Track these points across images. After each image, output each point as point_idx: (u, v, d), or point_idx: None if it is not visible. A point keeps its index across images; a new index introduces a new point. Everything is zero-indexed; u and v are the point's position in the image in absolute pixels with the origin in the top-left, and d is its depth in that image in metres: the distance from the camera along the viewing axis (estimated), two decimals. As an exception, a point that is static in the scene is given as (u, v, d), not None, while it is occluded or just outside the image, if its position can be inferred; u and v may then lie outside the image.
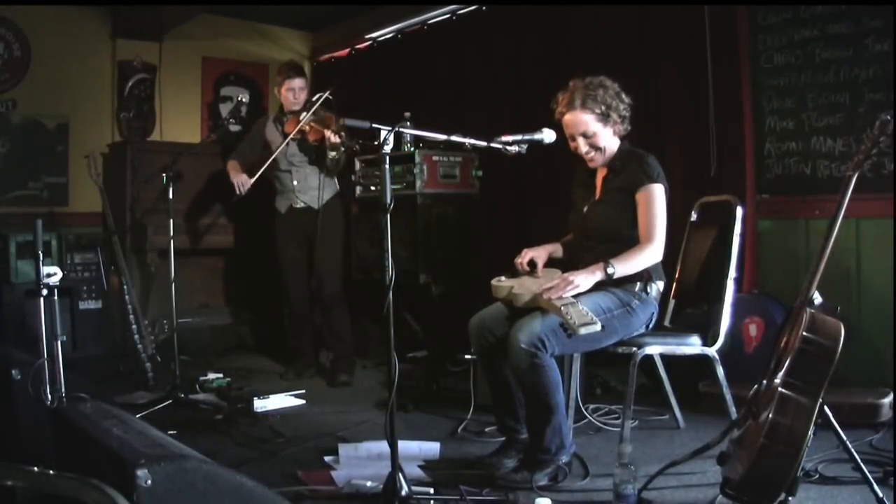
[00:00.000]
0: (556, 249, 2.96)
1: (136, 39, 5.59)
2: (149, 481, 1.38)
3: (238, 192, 4.23)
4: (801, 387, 2.04)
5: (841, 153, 3.43)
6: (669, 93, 3.99)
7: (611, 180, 2.82)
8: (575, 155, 2.84)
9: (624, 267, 2.61)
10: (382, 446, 2.62)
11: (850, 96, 3.38)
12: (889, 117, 2.17)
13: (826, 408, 2.06)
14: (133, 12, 5.31)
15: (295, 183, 4.29)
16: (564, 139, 2.79)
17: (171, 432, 2.99)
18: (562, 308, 2.45)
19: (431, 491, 2.52)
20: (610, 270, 2.59)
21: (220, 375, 4.23)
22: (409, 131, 2.81)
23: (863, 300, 3.38)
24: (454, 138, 2.61)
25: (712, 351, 2.80)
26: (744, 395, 2.31)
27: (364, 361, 4.75)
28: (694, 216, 3.19)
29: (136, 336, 4.34)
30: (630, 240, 2.70)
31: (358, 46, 5.86)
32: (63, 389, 2.51)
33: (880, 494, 2.09)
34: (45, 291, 2.64)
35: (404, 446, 2.73)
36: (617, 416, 3.35)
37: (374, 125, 2.39)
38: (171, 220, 3.90)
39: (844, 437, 2.11)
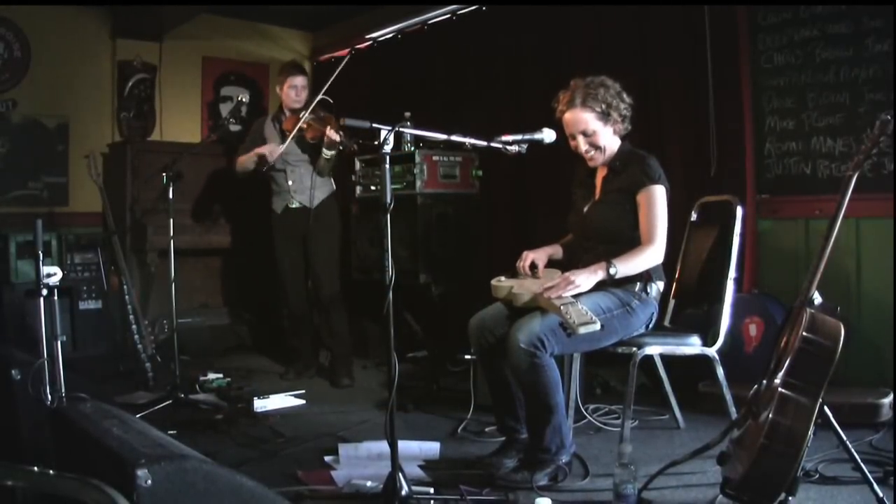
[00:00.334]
0: (555, 251, 2.96)
1: (136, 39, 5.59)
2: (149, 481, 1.38)
3: (270, 160, 4.18)
4: (801, 387, 2.04)
5: (841, 153, 3.43)
6: (669, 93, 3.99)
7: (611, 180, 2.82)
8: (575, 154, 2.85)
9: (625, 267, 2.61)
10: (382, 446, 2.62)
11: (850, 96, 3.38)
12: (889, 117, 2.17)
13: (826, 408, 2.06)
14: (133, 12, 5.31)
15: (290, 183, 4.29)
16: (565, 138, 2.79)
17: (171, 432, 2.99)
18: (561, 308, 2.45)
19: (431, 491, 2.52)
20: (612, 270, 2.58)
21: (220, 375, 4.23)
22: (409, 131, 2.81)
23: (863, 300, 3.38)
24: (454, 138, 2.61)
25: (712, 351, 2.80)
26: (744, 395, 2.30)
27: (364, 361, 4.75)
28: (694, 216, 3.19)
29: (136, 336, 4.34)
30: (630, 241, 2.70)
31: (358, 46, 5.86)
32: (63, 389, 2.50)
33: (880, 494, 2.09)
34: (45, 291, 2.64)
35: (404, 446, 2.73)
36: (617, 416, 3.36)
37: (374, 125, 2.39)
38: (171, 220, 3.89)
39: (844, 437, 2.11)
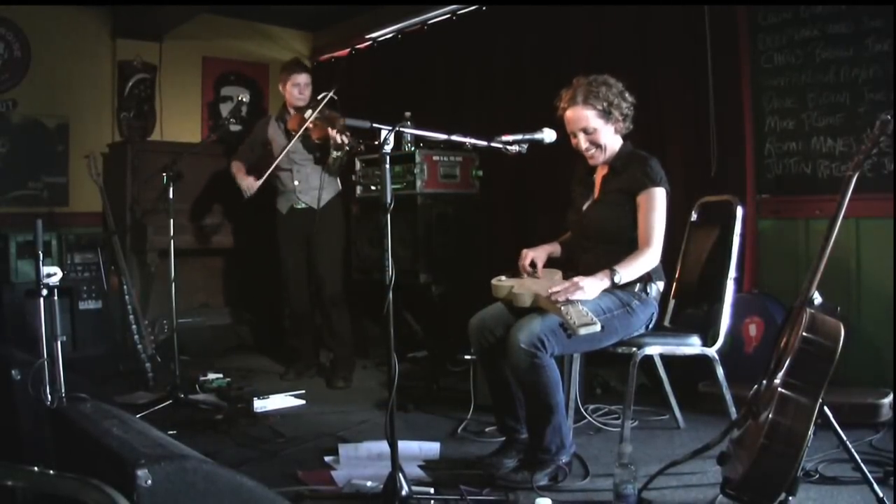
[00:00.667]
0: (554, 249, 2.96)
1: (136, 39, 5.59)
2: (149, 481, 1.38)
3: (245, 196, 4.24)
4: (801, 387, 2.04)
5: (841, 153, 3.43)
6: (669, 93, 3.99)
7: (610, 180, 2.81)
8: (576, 153, 2.85)
9: (628, 273, 2.62)
10: (382, 446, 2.62)
11: (850, 96, 3.38)
12: (889, 117, 2.17)
13: (826, 408, 2.06)
14: (133, 12, 5.31)
15: (296, 183, 4.28)
16: (566, 137, 2.79)
17: (171, 432, 2.99)
18: (562, 308, 2.45)
19: (431, 491, 2.52)
20: (616, 279, 2.59)
21: (220, 375, 4.23)
22: (409, 131, 2.81)
23: (863, 300, 3.38)
24: (454, 138, 2.61)
25: (712, 351, 2.80)
26: (744, 395, 2.31)
27: (364, 361, 4.75)
28: (694, 216, 3.19)
29: (136, 336, 4.34)
30: (629, 241, 2.70)
31: (358, 46, 5.86)
32: (63, 389, 2.50)
33: (880, 494, 2.09)
34: (45, 291, 2.64)
35: (404, 446, 2.74)
36: (617, 416, 3.35)
37: (374, 125, 2.39)
38: (172, 220, 3.89)
39: (844, 437, 2.11)
